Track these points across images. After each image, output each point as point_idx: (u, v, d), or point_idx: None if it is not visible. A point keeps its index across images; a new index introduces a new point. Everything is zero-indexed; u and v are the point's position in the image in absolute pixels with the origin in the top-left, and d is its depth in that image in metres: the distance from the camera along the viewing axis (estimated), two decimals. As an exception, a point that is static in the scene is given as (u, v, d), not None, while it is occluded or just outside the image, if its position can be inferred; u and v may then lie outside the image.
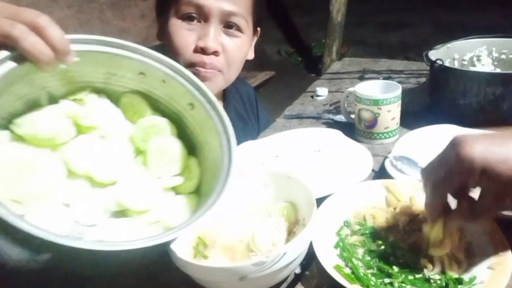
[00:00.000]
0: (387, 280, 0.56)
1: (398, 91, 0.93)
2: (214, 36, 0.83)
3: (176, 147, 0.60)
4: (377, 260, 0.60)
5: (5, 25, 0.45)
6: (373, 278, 0.56)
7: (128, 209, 0.56)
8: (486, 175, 0.48)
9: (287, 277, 0.60)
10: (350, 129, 0.99)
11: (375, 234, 0.64)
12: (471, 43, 1.12)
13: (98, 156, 0.55)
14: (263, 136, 1.01)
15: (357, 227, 0.66)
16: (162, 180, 0.59)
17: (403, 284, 0.55)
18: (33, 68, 0.47)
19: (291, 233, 0.63)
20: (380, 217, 0.66)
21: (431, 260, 0.57)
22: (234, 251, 0.60)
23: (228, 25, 0.85)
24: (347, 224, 0.67)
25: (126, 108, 0.61)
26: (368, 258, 0.60)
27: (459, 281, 0.55)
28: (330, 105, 1.20)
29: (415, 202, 0.67)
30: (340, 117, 1.08)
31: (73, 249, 0.42)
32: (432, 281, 0.55)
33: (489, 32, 1.12)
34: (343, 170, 0.81)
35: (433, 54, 1.03)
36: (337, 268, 0.57)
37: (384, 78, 1.27)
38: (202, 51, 0.83)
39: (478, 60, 1.11)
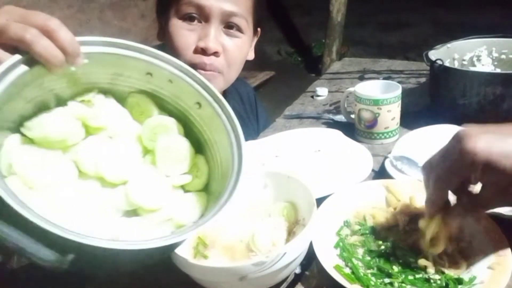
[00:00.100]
0: (387, 280, 0.56)
1: (398, 91, 0.93)
2: (215, 37, 0.83)
3: (184, 145, 0.61)
4: (377, 260, 0.60)
5: (18, 29, 0.45)
6: (373, 278, 0.56)
7: (139, 208, 0.56)
8: (489, 169, 0.48)
9: (287, 277, 0.60)
10: (350, 129, 0.99)
11: (375, 234, 0.64)
12: (471, 43, 1.12)
13: (108, 157, 0.55)
14: (263, 136, 1.01)
15: (357, 227, 0.66)
16: (171, 178, 0.60)
17: (403, 284, 0.55)
18: (43, 71, 0.48)
19: (291, 233, 0.63)
20: (380, 217, 0.66)
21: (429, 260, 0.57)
22: (234, 251, 0.60)
23: (229, 25, 0.85)
24: (347, 224, 0.67)
25: (133, 108, 0.61)
26: (368, 258, 0.60)
27: (459, 281, 0.55)
28: (330, 105, 1.21)
29: (415, 202, 0.67)
30: (340, 117, 1.08)
31: (93, 249, 0.42)
32: (432, 281, 0.55)
33: (489, 32, 1.12)
34: (343, 170, 0.81)
35: (433, 54, 1.03)
36: (337, 268, 0.57)
37: (384, 78, 1.27)
38: (203, 51, 0.83)
39: (478, 60, 1.11)
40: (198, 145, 0.64)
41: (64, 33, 0.46)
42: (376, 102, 0.92)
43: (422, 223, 0.58)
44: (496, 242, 0.58)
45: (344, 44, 4.03)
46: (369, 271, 0.58)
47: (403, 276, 0.56)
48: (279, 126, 1.10)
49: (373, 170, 0.84)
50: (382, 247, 0.61)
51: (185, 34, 0.84)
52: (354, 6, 3.82)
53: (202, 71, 0.83)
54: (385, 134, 0.95)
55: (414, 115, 1.04)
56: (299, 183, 0.64)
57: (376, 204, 0.69)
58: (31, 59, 0.46)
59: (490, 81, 0.91)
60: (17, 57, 0.46)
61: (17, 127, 0.52)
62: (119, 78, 0.59)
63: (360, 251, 0.62)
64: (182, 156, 0.60)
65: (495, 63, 1.11)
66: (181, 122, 0.63)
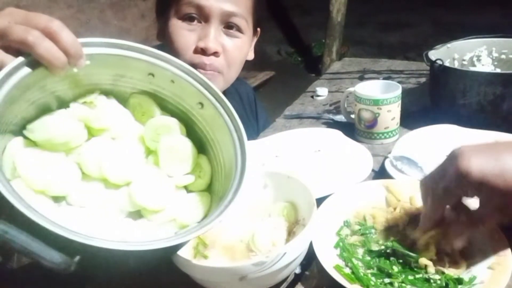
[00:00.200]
0: (387, 280, 0.56)
1: (398, 91, 0.93)
2: (215, 37, 0.83)
3: (186, 145, 0.61)
4: (377, 260, 0.60)
5: (20, 31, 0.45)
6: (373, 278, 0.56)
7: (143, 208, 0.56)
8: (483, 187, 0.50)
9: (287, 277, 0.60)
10: (350, 129, 0.99)
11: (375, 234, 0.64)
12: (471, 43, 1.12)
13: (111, 158, 0.55)
14: (263, 136, 1.01)
15: (357, 227, 0.66)
16: (174, 179, 0.60)
17: (403, 284, 0.55)
18: (46, 73, 0.48)
19: (291, 233, 0.63)
20: (380, 217, 0.66)
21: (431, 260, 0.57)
22: (234, 251, 0.60)
23: (229, 25, 0.85)
24: (347, 224, 0.67)
25: (135, 109, 0.61)
26: (368, 258, 0.60)
27: (459, 281, 0.55)
28: (330, 105, 1.21)
29: (415, 202, 0.67)
30: (340, 117, 1.08)
31: (98, 250, 0.43)
32: (432, 281, 0.55)
33: (489, 32, 1.12)
34: (343, 170, 0.81)
35: (433, 54, 1.03)
36: (337, 268, 0.57)
37: (384, 78, 1.27)
38: (203, 51, 0.83)
39: (478, 60, 1.11)
40: (201, 145, 0.64)
41: (66, 35, 0.46)
42: (376, 102, 0.92)
43: (416, 233, 0.59)
44: (496, 242, 0.58)
45: (344, 44, 4.03)
46: (369, 271, 0.58)
47: (403, 276, 0.56)
48: (279, 126, 1.10)
49: (373, 170, 0.84)
50: (382, 247, 0.61)
51: (185, 34, 0.84)
52: (354, 6, 3.82)
53: (202, 71, 0.83)
54: (385, 134, 0.95)
55: (414, 115, 1.04)
56: (299, 183, 0.64)
57: (376, 204, 0.69)
58: (34, 61, 0.46)
59: (490, 81, 0.91)
60: (20, 59, 0.46)
61: (19, 130, 0.52)
62: (121, 79, 0.58)
63: (360, 251, 0.62)
64: (185, 156, 0.60)
65: (495, 63, 1.11)
66: (184, 123, 0.63)
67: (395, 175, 0.78)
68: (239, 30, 0.86)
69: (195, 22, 0.83)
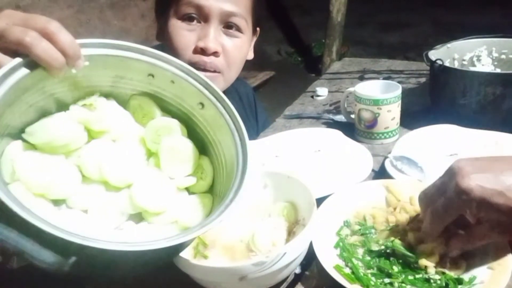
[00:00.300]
0: (387, 280, 0.56)
1: (398, 91, 0.93)
2: (214, 37, 0.83)
3: (187, 147, 0.60)
4: (377, 260, 0.60)
5: (17, 32, 0.45)
6: (373, 278, 0.56)
7: (144, 211, 0.56)
8: (483, 206, 0.50)
9: (287, 277, 0.60)
10: (350, 129, 0.99)
11: (375, 234, 0.64)
12: (471, 43, 1.12)
13: (112, 160, 0.55)
14: (263, 136, 1.01)
15: (357, 227, 0.66)
16: (175, 180, 0.59)
17: (403, 284, 0.55)
18: (44, 75, 0.47)
19: (291, 233, 0.63)
20: (380, 217, 0.66)
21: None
22: (234, 251, 0.60)
23: (228, 25, 0.85)
24: (347, 224, 0.67)
25: (135, 111, 0.61)
26: (368, 258, 0.60)
27: (459, 281, 0.55)
28: (330, 105, 1.21)
29: (415, 202, 0.67)
30: (340, 117, 1.08)
31: (96, 251, 0.42)
32: (432, 281, 0.55)
33: (489, 32, 1.12)
34: (343, 170, 0.81)
35: (433, 54, 1.03)
36: (337, 268, 0.57)
37: (384, 78, 1.27)
38: (202, 51, 0.83)
39: (478, 60, 1.11)
40: (203, 147, 0.63)
41: (64, 36, 0.46)
42: (376, 102, 0.92)
43: (421, 247, 0.59)
44: (496, 242, 0.58)
45: (344, 44, 4.03)
46: (369, 271, 0.58)
47: (403, 276, 0.56)
48: (279, 126, 1.10)
49: (373, 170, 0.84)
50: (382, 247, 0.61)
51: (184, 34, 0.84)
52: (354, 6, 3.82)
53: (202, 71, 0.83)
54: (385, 134, 0.95)
55: (414, 115, 1.04)
56: (299, 183, 0.64)
57: (376, 204, 0.69)
58: (32, 62, 0.46)
59: (490, 81, 0.91)
60: (17, 60, 0.45)
61: (19, 134, 0.52)
62: (121, 81, 0.58)
63: (360, 251, 0.62)
64: (186, 157, 0.60)
65: (495, 63, 1.11)
66: (185, 124, 0.62)
67: (395, 175, 0.78)
68: (239, 29, 0.86)
69: (195, 22, 0.83)
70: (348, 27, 3.93)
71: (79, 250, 0.42)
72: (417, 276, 0.56)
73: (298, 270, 0.62)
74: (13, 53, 0.46)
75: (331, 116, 1.11)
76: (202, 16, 0.83)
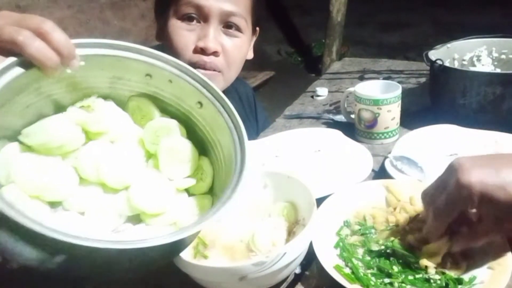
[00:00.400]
0: (387, 280, 0.56)
1: (398, 91, 0.93)
2: (214, 37, 0.83)
3: (187, 147, 0.60)
4: (377, 260, 0.60)
5: (10, 32, 0.45)
6: (373, 278, 0.56)
7: (142, 212, 0.55)
8: (485, 201, 0.50)
9: (287, 277, 0.60)
10: (350, 129, 0.99)
11: (375, 234, 0.64)
12: (471, 43, 1.12)
13: (110, 162, 0.54)
14: (263, 136, 1.01)
15: (357, 227, 0.66)
16: (175, 182, 0.59)
17: (403, 284, 0.55)
18: (39, 75, 0.47)
19: (291, 233, 0.63)
20: (380, 217, 0.66)
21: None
22: (234, 251, 0.60)
23: (228, 25, 0.85)
24: (347, 224, 0.67)
25: (134, 112, 0.61)
26: (368, 258, 0.60)
27: (459, 281, 0.55)
28: (330, 105, 1.21)
29: (415, 202, 0.67)
30: (340, 117, 1.08)
31: (89, 251, 0.41)
32: (432, 281, 0.55)
33: (489, 32, 1.12)
34: (343, 170, 0.81)
35: (433, 54, 1.03)
36: (337, 268, 0.57)
37: (384, 78, 1.27)
38: (202, 51, 0.83)
39: (478, 60, 1.11)
40: (202, 147, 0.63)
41: (58, 35, 0.46)
42: (376, 102, 0.92)
43: (415, 241, 0.59)
44: (496, 242, 0.58)
45: (344, 44, 4.03)
46: (369, 271, 0.58)
47: (403, 276, 0.56)
48: (279, 126, 1.10)
49: (373, 170, 0.84)
50: (382, 247, 0.61)
51: (184, 34, 0.84)
52: (354, 6, 3.82)
53: (202, 70, 0.83)
54: (385, 134, 0.95)
55: (414, 115, 1.04)
56: (299, 183, 0.64)
57: (376, 204, 0.69)
58: (26, 62, 0.46)
59: (490, 81, 0.91)
60: (11, 59, 0.45)
61: (15, 136, 0.51)
62: (119, 82, 0.58)
63: (360, 251, 0.62)
64: (186, 158, 0.60)
65: (495, 63, 1.11)
66: (184, 124, 0.62)
67: (395, 175, 0.78)
68: (239, 29, 0.86)
69: (194, 22, 0.83)
70: (348, 27, 3.93)
71: (69, 248, 0.41)
72: (417, 276, 0.56)
73: (298, 270, 0.62)
74: (8, 53, 0.46)
75: (331, 116, 1.11)
76: (201, 16, 0.83)
